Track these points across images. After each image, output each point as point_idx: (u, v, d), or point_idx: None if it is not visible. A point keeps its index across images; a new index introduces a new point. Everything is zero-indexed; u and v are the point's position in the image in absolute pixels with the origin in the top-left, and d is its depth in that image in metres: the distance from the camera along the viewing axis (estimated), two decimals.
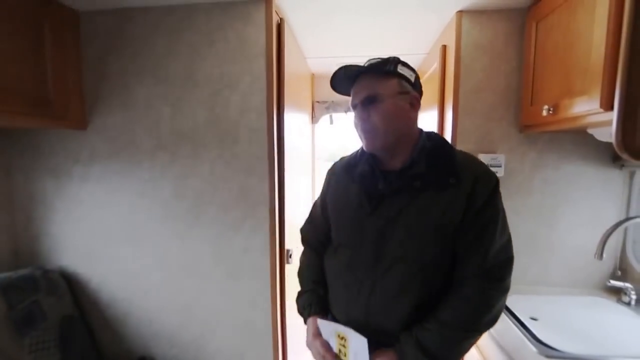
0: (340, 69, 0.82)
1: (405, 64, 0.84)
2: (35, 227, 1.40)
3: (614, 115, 0.76)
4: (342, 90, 0.89)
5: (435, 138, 0.87)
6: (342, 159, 1.00)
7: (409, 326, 0.79)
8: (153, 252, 1.37)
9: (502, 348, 0.94)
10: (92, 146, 1.33)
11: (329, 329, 0.83)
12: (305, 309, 0.93)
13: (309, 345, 0.89)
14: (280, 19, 1.26)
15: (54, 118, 1.19)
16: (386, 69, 0.81)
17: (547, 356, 0.86)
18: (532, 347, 0.91)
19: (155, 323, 1.41)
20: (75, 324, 1.37)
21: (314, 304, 0.92)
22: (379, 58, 0.84)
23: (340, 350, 0.80)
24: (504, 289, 0.78)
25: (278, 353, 1.33)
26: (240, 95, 1.24)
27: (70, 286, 1.41)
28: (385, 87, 0.80)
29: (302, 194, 1.65)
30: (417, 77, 0.86)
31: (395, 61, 0.82)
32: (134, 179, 1.33)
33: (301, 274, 1.00)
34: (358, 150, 0.93)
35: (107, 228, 1.37)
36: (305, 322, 0.93)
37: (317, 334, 0.87)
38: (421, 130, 0.88)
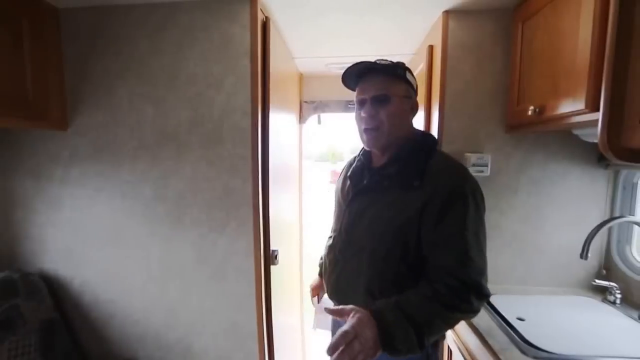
0: (358, 63, 0.88)
1: (410, 71, 0.92)
2: (15, 229, 1.37)
3: (599, 116, 0.76)
4: (348, 84, 0.96)
5: (423, 140, 0.93)
6: (353, 156, 1.11)
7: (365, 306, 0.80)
8: (136, 253, 1.35)
9: (489, 349, 0.93)
10: (73, 147, 1.30)
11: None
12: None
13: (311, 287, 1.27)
14: (266, 17, 1.25)
15: (33, 118, 1.16)
16: (398, 72, 0.88)
17: (534, 357, 0.86)
18: (519, 349, 0.90)
19: (140, 325, 1.39)
20: (57, 328, 1.34)
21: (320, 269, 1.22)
22: (387, 60, 0.90)
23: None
24: (469, 310, 0.77)
25: (264, 355, 1.32)
26: (224, 95, 1.22)
27: (52, 289, 1.38)
28: (395, 89, 0.88)
29: (289, 195, 1.63)
30: (417, 85, 0.95)
31: (404, 67, 0.90)
32: (116, 180, 1.31)
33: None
34: (362, 148, 1.03)
35: (88, 230, 1.35)
36: None
37: (315, 288, 1.25)
38: (414, 130, 0.95)
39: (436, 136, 1.32)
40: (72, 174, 1.32)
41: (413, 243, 0.82)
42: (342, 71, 0.92)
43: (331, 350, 0.68)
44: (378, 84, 0.87)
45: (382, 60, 0.89)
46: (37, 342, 1.25)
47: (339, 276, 0.96)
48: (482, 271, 0.78)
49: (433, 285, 0.77)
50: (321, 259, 1.21)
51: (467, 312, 0.77)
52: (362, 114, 0.89)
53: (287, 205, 1.62)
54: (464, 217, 0.77)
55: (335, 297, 0.99)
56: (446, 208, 0.78)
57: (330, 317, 1.07)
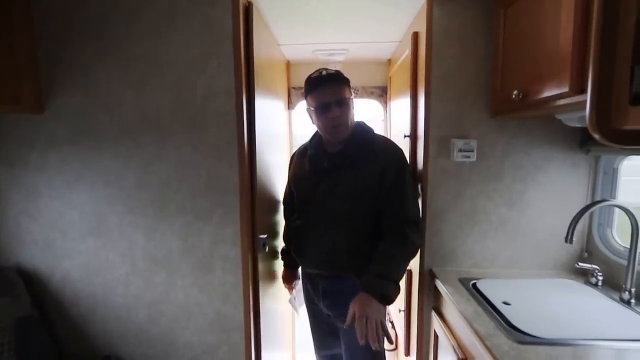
0: (317, 73, 1.18)
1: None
2: None
3: (587, 97, 0.74)
4: (307, 89, 1.21)
5: (363, 128, 1.25)
6: (299, 147, 1.41)
7: (348, 263, 1.19)
8: (118, 245, 1.30)
9: (475, 334, 0.93)
10: (49, 132, 1.25)
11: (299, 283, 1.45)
12: (283, 262, 1.52)
13: (283, 280, 1.56)
14: (249, 2, 1.23)
15: (4, 101, 1.11)
16: (344, 79, 1.19)
17: (520, 342, 0.86)
18: (505, 333, 0.90)
19: (122, 320, 1.35)
20: (33, 325, 1.28)
21: (286, 261, 1.49)
22: (332, 70, 1.18)
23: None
24: (415, 232, 1.18)
25: (250, 347, 1.29)
26: (207, 78, 1.20)
27: (29, 284, 1.32)
28: (346, 93, 1.18)
29: (278, 181, 1.61)
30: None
31: (343, 74, 1.20)
32: (96, 167, 1.26)
33: (284, 235, 1.52)
34: (309, 140, 1.31)
35: (68, 220, 1.30)
36: None
37: (286, 279, 1.53)
38: (353, 120, 1.23)
39: (423, 122, 1.32)
40: (49, 160, 1.27)
41: (376, 201, 1.15)
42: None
43: (361, 337, 1.00)
44: (337, 90, 1.15)
45: (329, 70, 1.17)
46: (12, 341, 1.19)
47: (321, 243, 1.22)
48: (418, 209, 1.23)
49: (391, 236, 1.14)
50: (284, 252, 1.48)
51: (413, 245, 1.17)
52: (330, 115, 1.14)
53: (277, 192, 1.60)
54: (407, 178, 1.18)
55: (320, 262, 1.24)
56: (397, 173, 1.16)
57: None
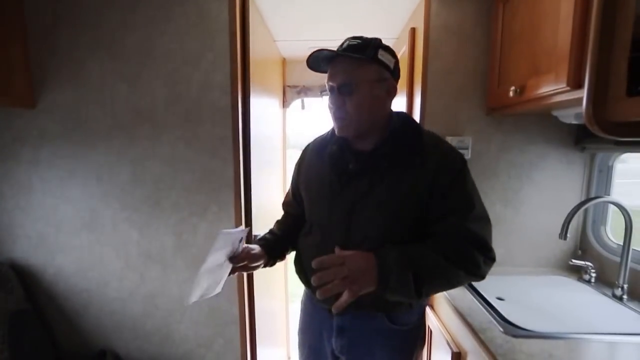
0: (318, 51, 0.78)
1: (386, 48, 0.81)
2: None
3: (584, 90, 0.75)
4: (317, 68, 0.85)
5: (405, 119, 0.89)
6: (314, 140, 1.00)
7: (379, 302, 0.80)
8: (112, 240, 1.30)
9: (469, 328, 0.94)
10: (41, 126, 1.24)
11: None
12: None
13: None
14: None
15: None
16: (366, 54, 0.77)
17: (513, 335, 0.87)
18: (499, 327, 0.91)
19: (116, 314, 1.35)
20: (28, 319, 1.28)
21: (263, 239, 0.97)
22: (359, 38, 0.79)
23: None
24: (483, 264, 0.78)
25: (246, 341, 1.30)
26: (202, 73, 1.19)
27: (23, 279, 1.32)
28: (362, 75, 0.78)
29: (272, 179, 1.60)
30: (397, 62, 0.84)
31: (376, 45, 0.79)
32: (89, 161, 1.25)
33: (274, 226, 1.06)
34: (329, 131, 0.93)
35: (61, 215, 1.29)
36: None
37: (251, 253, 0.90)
38: (392, 113, 0.88)
39: (418, 118, 1.32)
40: (42, 155, 1.25)
41: (422, 218, 0.81)
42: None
43: (316, 264, 0.68)
44: (344, 70, 0.79)
45: (354, 39, 0.79)
46: (5, 335, 1.19)
47: None
48: (489, 232, 0.81)
49: (444, 244, 0.77)
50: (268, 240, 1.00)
51: (472, 273, 0.77)
52: (328, 104, 0.84)
53: (271, 190, 1.59)
54: (469, 185, 0.81)
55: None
56: (455, 179, 0.79)
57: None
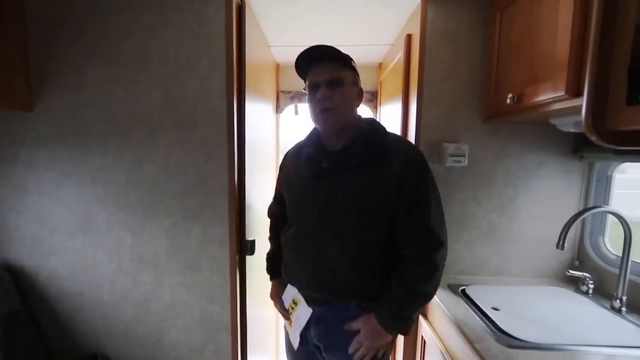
0: (312, 47, 0.91)
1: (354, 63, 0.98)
2: None
3: (583, 99, 0.75)
4: (301, 67, 0.97)
5: (372, 123, 1.00)
6: (293, 147, 1.13)
7: (351, 285, 0.95)
8: (106, 243, 1.30)
9: (464, 338, 0.93)
10: (38, 129, 1.25)
11: (290, 292, 1.05)
12: (269, 274, 1.18)
13: (271, 298, 1.17)
14: (242, 0, 1.22)
15: None
16: (346, 59, 0.93)
17: (509, 346, 0.86)
18: (494, 337, 0.90)
19: (108, 318, 1.34)
20: (21, 321, 1.28)
21: (274, 270, 1.15)
22: (333, 47, 0.92)
23: (289, 311, 1.06)
24: (440, 256, 0.91)
25: (237, 347, 1.28)
26: (198, 78, 1.19)
27: (16, 281, 1.32)
28: (346, 75, 0.93)
29: (266, 184, 1.60)
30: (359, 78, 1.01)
31: (349, 56, 0.94)
32: (85, 165, 1.26)
33: (269, 240, 1.21)
34: (305, 138, 1.07)
35: (56, 218, 1.29)
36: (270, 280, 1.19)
37: (274, 294, 1.14)
38: (360, 117, 1.01)
39: (414, 127, 1.31)
40: (38, 157, 1.26)
41: (390, 212, 0.91)
42: None
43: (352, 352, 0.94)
44: (331, 69, 0.91)
45: (328, 46, 0.92)
46: None
47: (316, 262, 0.97)
48: (443, 226, 0.94)
49: (415, 263, 0.91)
50: (271, 260, 1.17)
51: (439, 274, 0.92)
52: (318, 97, 0.91)
53: (264, 195, 1.59)
54: (431, 186, 0.93)
55: (315, 284, 0.99)
56: (419, 179, 0.91)
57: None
